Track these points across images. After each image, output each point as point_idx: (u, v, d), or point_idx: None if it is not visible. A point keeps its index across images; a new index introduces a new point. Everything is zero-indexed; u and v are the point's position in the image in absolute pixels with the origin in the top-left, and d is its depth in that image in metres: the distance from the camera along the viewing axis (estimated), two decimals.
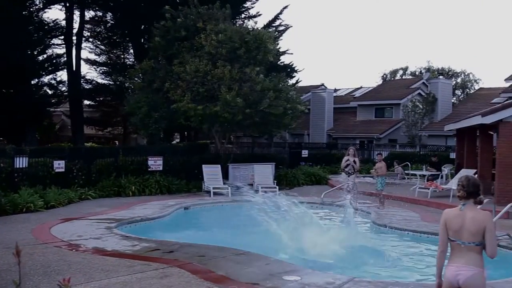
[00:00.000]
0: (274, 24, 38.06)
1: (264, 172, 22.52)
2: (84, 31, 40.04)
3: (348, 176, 18.16)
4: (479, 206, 5.19)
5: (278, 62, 32.36)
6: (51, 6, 36.71)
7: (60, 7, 37.78)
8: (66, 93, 39.05)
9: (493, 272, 8.07)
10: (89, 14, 40.46)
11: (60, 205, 16.16)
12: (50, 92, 39.30)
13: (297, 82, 38.18)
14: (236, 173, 22.99)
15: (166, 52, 25.10)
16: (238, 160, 24.39)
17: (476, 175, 18.44)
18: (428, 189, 20.01)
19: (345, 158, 18.43)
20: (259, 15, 40.29)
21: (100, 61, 45.15)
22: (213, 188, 20.07)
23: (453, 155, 28.81)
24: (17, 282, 3.90)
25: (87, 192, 18.41)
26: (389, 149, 37.28)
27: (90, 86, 43.44)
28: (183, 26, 24.35)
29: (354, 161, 18.22)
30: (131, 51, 41.81)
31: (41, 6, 35.84)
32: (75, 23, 38.17)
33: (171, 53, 24.71)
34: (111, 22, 41.04)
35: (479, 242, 4.98)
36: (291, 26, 39.03)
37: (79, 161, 19.74)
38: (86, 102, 45.88)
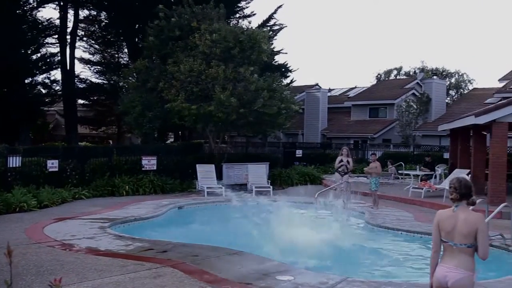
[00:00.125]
0: (268, 24, 38.09)
1: (258, 172, 22.52)
2: (78, 30, 39.96)
3: (342, 176, 18.21)
4: (471, 207, 5.20)
5: (273, 62, 32.36)
6: (45, 5, 36.75)
7: (54, 6, 37.81)
8: (60, 92, 38.98)
9: (486, 272, 8.11)
10: (83, 13, 40.47)
11: (53, 205, 16.13)
12: (44, 91, 39.25)
13: (291, 81, 38.21)
14: (230, 173, 22.97)
15: (160, 51, 25.09)
16: (232, 160, 24.38)
17: (470, 175, 18.58)
18: (422, 189, 20.06)
19: (339, 158, 18.48)
20: (254, 14, 40.35)
21: (94, 60, 45.05)
22: (207, 187, 20.07)
23: (446, 155, 28.87)
24: (8, 282, 3.89)
25: (81, 191, 18.39)
26: (383, 149, 37.31)
27: (84, 85, 43.29)
28: (177, 25, 24.33)
29: (348, 161, 18.27)
30: (125, 50, 41.74)
31: (35, 5, 35.82)
32: (69, 22, 38.20)
33: (165, 52, 24.69)
34: (105, 21, 40.97)
35: (471, 244, 4.98)
36: (286, 26, 39.19)
37: (73, 161, 19.70)
38: (80, 101, 45.76)
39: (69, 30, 37.88)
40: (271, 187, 21.19)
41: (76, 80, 40.40)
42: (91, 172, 20.04)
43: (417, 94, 45.37)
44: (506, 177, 17.17)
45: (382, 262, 10.69)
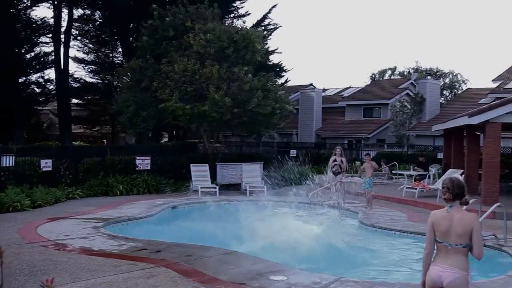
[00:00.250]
0: (263, 24, 38.12)
1: (252, 171, 22.51)
2: (72, 29, 39.78)
3: (335, 176, 18.24)
4: (465, 207, 5.22)
5: (267, 62, 32.36)
6: (39, 4, 36.63)
7: (48, 5, 37.63)
8: (54, 92, 38.88)
9: (479, 272, 8.13)
10: (77, 12, 40.30)
11: (47, 204, 16.09)
12: (38, 90, 39.21)
13: (286, 81, 38.20)
14: (224, 173, 22.92)
15: (154, 51, 25.03)
16: (227, 160, 24.36)
17: (463, 176, 18.64)
18: (415, 189, 20.11)
19: (332, 158, 18.51)
20: (248, 14, 40.30)
21: (89, 60, 44.91)
22: (201, 187, 20.04)
23: (440, 155, 28.94)
24: (0, 282, 3.88)
25: (74, 191, 18.36)
26: (377, 149, 37.42)
27: (78, 84, 43.18)
28: (172, 25, 24.28)
29: (341, 161, 18.31)
30: (120, 49, 41.64)
31: (29, 4, 35.70)
32: (63, 21, 37.99)
33: (159, 52, 24.63)
34: (99, 20, 40.86)
35: (466, 244, 5.00)
36: (280, 26, 39.14)
37: (67, 160, 19.67)
38: (74, 100, 45.61)
39: (63, 29, 37.75)
40: (265, 187, 21.18)
41: (70, 80, 40.27)
42: (84, 171, 20.00)
43: (411, 94, 45.50)
44: (499, 177, 17.24)
45: (375, 262, 10.71)
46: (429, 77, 56.95)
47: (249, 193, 20.22)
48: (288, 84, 39.46)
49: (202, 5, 25.15)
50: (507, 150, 31.35)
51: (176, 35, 24.21)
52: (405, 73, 69.24)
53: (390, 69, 74.61)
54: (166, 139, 45.27)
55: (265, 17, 38.28)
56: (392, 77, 70.21)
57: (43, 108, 44.41)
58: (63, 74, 36.99)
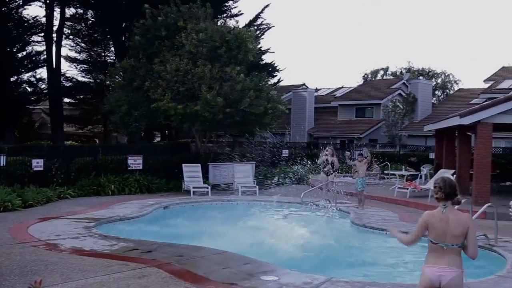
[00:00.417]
0: (255, 23, 38.13)
1: (245, 171, 22.51)
2: (64, 29, 39.64)
3: (327, 176, 18.27)
4: (456, 206, 5.25)
5: (259, 61, 32.35)
6: (31, 3, 36.45)
7: (40, 4, 37.57)
8: (45, 91, 38.72)
9: (469, 272, 8.16)
10: (69, 11, 40.14)
11: (38, 204, 16.05)
12: (29, 89, 39.06)
13: (278, 81, 38.23)
14: (216, 173, 22.90)
15: (147, 50, 24.98)
16: (219, 159, 24.32)
17: (455, 176, 18.70)
18: (407, 189, 20.15)
19: (323, 158, 18.52)
20: (241, 14, 40.34)
21: (81, 59, 44.71)
22: (193, 187, 20.03)
23: (432, 155, 29.02)
24: None
25: (66, 191, 18.32)
26: (369, 149, 37.43)
27: (70, 83, 43.02)
28: (164, 24, 24.24)
29: (333, 161, 18.33)
30: (112, 49, 41.52)
31: (21, 3, 35.55)
32: (56, 20, 37.88)
33: (151, 51, 24.59)
34: (91, 19, 40.72)
35: (461, 244, 5.08)
36: (273, 26, 39.21)
37: (58, 160, 19.62)
38: (66, 100, 45.47)
39: (55, 28, 37.60)
40: (257, 186, 21.19)
41: (62, 79, 40.12)
42: (76, 171, 19.95)
43: (404, 94, 45.60)
44: (490, 177, 17.31)
45: (366, 262, 10.73)
46: (421, 77, 57.07)
47: (241, 193, 20.21)
48: (281, 84, 39.51)
49: (194, 4, 25.12)
50: (498, 151, 31.50)
51: (168, 34, 24.17)
52: (398, 73, 69.35)
53: (382, 69, 74.76)
54: (158, 139, 45.18)
55: (257, 16, 38.32)
56: (385, 77, 70.33)
57: (35, 107, 44.21)
58: (55, 73, 36.88)
